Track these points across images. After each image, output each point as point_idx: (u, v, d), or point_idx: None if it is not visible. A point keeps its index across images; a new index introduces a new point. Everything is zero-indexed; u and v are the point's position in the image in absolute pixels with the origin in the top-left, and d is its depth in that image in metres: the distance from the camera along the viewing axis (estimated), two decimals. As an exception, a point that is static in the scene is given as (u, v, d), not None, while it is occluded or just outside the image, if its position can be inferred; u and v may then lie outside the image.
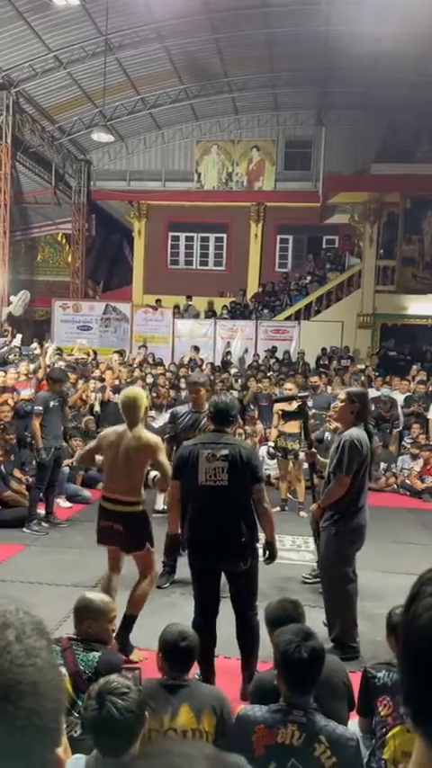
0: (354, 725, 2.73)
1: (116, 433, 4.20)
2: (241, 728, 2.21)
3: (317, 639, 2.23)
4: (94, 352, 13.05)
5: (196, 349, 14.89)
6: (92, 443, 4.58)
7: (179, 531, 3.84)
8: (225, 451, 3.52)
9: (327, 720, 2.17)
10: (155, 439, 4.23)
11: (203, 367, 13.50)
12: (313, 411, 7.77)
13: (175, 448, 4.76)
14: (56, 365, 9.48)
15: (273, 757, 2.11)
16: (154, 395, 10.87)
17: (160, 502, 7.38)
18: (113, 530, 4.12)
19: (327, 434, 6.47)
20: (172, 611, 4.84)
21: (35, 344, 12.28)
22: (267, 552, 3.73)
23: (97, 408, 9.52)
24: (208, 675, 3.52)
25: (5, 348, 11.89)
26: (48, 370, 8.42)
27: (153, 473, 4.55)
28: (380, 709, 2.57)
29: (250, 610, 3.67)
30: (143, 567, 4.23)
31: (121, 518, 4.11)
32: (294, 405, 4.89)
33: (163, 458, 4.18)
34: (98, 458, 4.47)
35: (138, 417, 4.14)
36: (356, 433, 4.19)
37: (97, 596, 3.06)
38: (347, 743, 2.15)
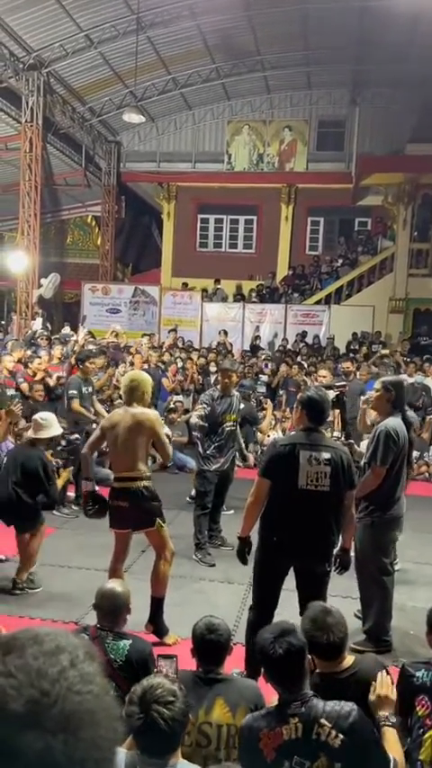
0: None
1: (118, 413, 4.38)
2: (248, 738, 2.17)
3: (295, 635, 2.19)
4: (127, 347, 12.78)
5: (225, 333, 14.81)
6: (96, 432, 4.59)
7: (249, 534, 3.65)
8: (327, 455, 3.38)
9: (325, 702, 2.13)
10: (153, 414, 4.36)
11: (233, 352, 13.42)
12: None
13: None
14: (86, 348, 9.48)
15: (285, 756, 2.06)
16: (181, 379, 10.84)
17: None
18: (120, 508, 4.20)
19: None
20: (201, 598, 4.85)
21: (67, 329, 12.28)
22: (340, 560, 3.60)
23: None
24: (253, 672, 3.37)
25: (30, 332, 11.94)
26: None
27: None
28: (417, 708, 2.50)
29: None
30: (157, 545, 4.26)
31: (126, 495, 4.18)
32: (332, 395, 4.77)
33: (162, 433, 4.30)
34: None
35: (133, 398, 4.30)
36: (392, 422, 4.09)
37: (114, 587, 3.03)
38: (349, 715, 2.09)
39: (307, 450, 3.37)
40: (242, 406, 7.43)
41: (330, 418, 7.48)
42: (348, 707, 2.11)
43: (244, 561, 3.70)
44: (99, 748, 0.63)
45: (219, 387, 5.94)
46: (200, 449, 5.84)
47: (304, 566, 3.50)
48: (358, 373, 10.03)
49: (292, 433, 3.61)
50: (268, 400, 8.66)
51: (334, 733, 2.03)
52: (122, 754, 1.95)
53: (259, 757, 2.07)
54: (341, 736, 2.02)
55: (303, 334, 14.94)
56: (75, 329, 11.84)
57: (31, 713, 0.61)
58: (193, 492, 7.42)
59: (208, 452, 5.78)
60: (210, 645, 2.52)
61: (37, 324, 12.31)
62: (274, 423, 9.95)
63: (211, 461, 5.80)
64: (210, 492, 5.84)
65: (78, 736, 0.62)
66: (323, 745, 2.03)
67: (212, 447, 5.76)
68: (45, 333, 11.56)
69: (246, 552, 3.67)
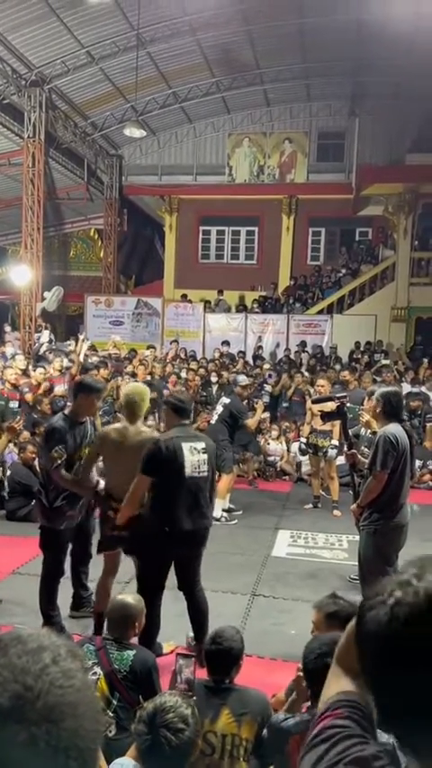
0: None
1: (116, 430, 4.12)
2: (276, 739, 2.20)
3: None
4: (133, 351, 12.92)
5: (227, 344, 14.84)
6: (90, 456, 4.22)
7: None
8: (202, 444, 3.87)
9: None
10: (156, 435, 4.21)
11: (237, 362, 13.44)
12: (348, 406, 7.65)
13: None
14: (89, 360, 9.54)
15: None
16: (183, 390, 10.86)
17: (218, 508, 7.14)
18: (118, 536, 4.02)
19: (362, 430, 6.38)
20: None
21: (71, 342, 12.35)
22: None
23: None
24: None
25: (36, 345, 12.00)
26: (81, 366, 8.48)
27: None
28: None
29: (200, 586, 4.06)
30: None
31: (131, 520, 3.97)
32: (333, 405, 4.80)
33: None
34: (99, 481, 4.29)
35: (136, 415, 4.08)
36: (391, 428, 4.13)
37: (125, 598, 3.03)
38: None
39: (187, 441, 3.79)
40: (228, 400, 7.41)
41: (329, 427, 7.47)
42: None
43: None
44: (82, 738, 0.67)
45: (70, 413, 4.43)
46: (44, 500, 4.28)
47: (192, 552, 3.91)
48: (361, 382, 10.04)
49: (171, 431, 3.90)
50: (260, 401, 8.65)
51: None
52: (131, 766, 1.94)
53: (286, 760, 2.13)
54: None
55: (303, 344, 14.97)
56: (75, 341, 11.89)
57: (15, 707, 0.65)
58: (218, 512, 7.12)
59: (56, 504, 4.25)
60: (214, 654, 2.53)
61: (44, 337, 12.35)
62: (279, 433, 9.96)
63: (60, 517, 4.28)
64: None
65: (61, 727, 0.65)
66: None
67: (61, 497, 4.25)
68: (53, 346, 11.62)
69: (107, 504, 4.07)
